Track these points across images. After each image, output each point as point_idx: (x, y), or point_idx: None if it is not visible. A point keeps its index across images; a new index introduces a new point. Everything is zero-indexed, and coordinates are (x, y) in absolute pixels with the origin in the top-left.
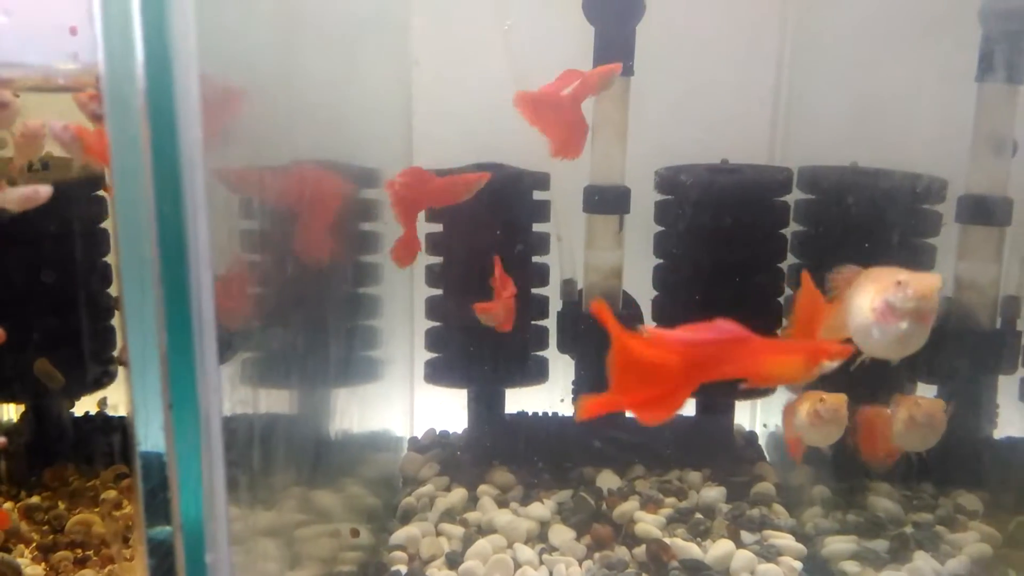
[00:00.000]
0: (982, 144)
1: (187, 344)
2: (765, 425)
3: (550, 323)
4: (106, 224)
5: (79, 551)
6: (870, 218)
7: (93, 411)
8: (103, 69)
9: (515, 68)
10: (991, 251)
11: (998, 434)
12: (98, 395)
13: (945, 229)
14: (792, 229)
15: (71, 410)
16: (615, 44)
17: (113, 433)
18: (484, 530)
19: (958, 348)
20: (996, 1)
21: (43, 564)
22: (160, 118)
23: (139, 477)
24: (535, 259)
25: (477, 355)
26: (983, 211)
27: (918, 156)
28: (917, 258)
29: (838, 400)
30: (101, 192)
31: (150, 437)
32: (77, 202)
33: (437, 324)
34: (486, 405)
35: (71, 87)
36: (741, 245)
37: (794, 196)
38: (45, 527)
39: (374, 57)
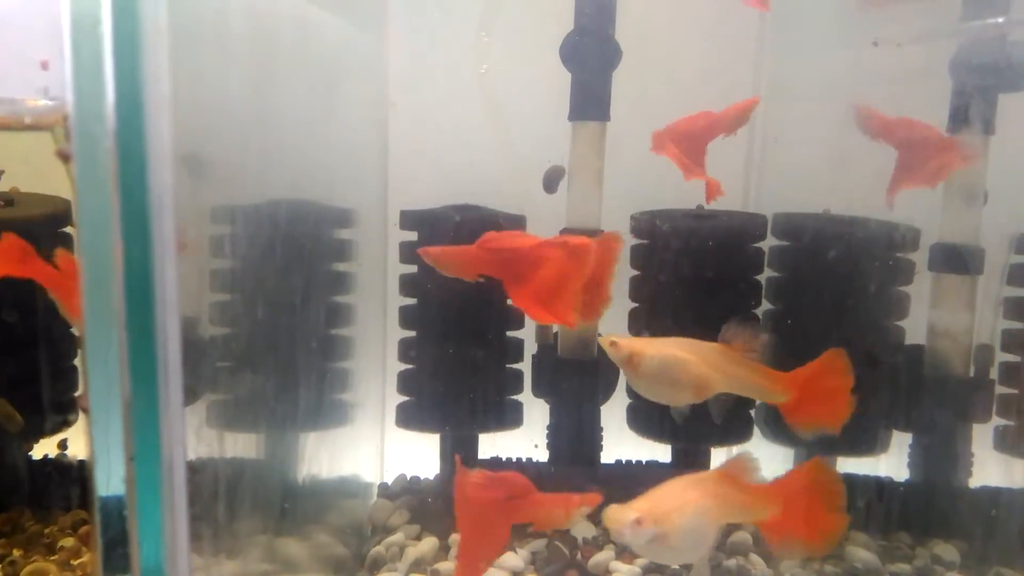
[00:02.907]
0: (954, 194)
1: (151, 392)
2: None
3: (525, 367)
4: None
5: None
6: (844, 265)
7: (52, 454)
8: (72, 108)
9: (492, 112)
10: (964, 299)
11: (974, 483)
12: (58, 437)
13: (918, 277)
14: (767, 275)
15: (29, 453)
16: (592, 90)
17: (73, 477)
18: None
19: (933, 397)
20: (967, 54)
21: None
22: (130, 160)
23: (98, 528)
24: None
25: (451, 399)
26: (956, 260)
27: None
28: (891, 306)
29: None
30: (68, 229)
31: (111, 486)
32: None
33: (410, 367)
34: (459, 450)
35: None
36: (716, 290)
37: (768, 242)
38: None
39: (351, 99)
